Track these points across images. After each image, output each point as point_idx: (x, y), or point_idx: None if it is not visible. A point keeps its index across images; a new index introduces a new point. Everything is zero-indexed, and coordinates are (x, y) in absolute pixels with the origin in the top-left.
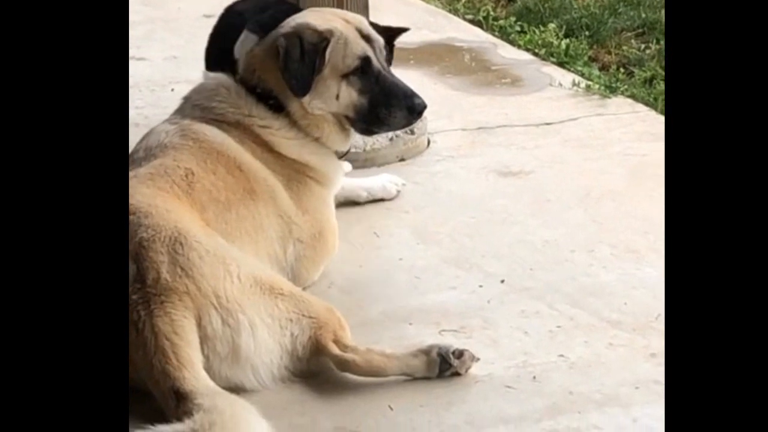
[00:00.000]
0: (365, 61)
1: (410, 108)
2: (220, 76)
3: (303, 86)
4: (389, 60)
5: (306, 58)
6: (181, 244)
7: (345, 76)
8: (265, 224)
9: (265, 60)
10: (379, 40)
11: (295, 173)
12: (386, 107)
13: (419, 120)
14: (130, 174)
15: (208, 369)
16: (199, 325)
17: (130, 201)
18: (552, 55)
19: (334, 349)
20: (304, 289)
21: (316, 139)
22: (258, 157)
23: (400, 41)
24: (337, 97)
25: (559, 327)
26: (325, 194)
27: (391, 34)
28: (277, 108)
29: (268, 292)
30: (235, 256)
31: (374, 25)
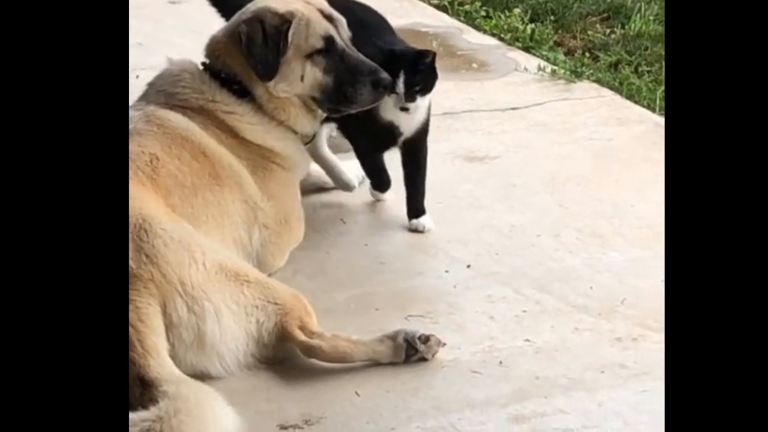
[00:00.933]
0: (328, 40)
1: (375, 83)
2: (185, 62)
3: (268, 70)
4: (431, 83)
5: (269, 41)
6: (145, 231)
7: (309, 57)
8: (231, 210)
9: (228, 45)
10: (341, 18)
11: (261, 159)
12: (352, 85)
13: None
14: None
15: (174, 356)
16: (164, 313)
17: None
18: (517, 40)
19: (300, 336)
20: (270, 275)
21: (282, 123)
22: (222, 142)
23: None
24: (302, 78)
25: (525, 312)
26: (290, 180)
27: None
28: (242, 93)
29: (233, 279)
30: (201, 243)
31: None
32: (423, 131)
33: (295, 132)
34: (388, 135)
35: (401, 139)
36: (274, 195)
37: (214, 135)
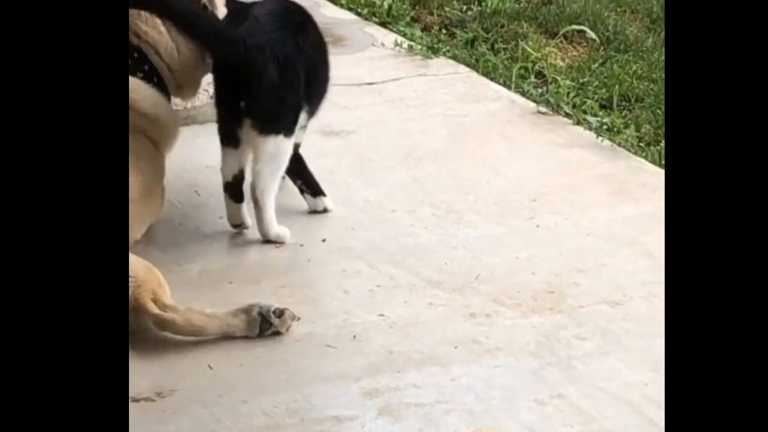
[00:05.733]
0: None
1: None
2: None
3: None
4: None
5: None
6: None
7: None
8: None
9: None
10: None
11: (134, 131)
12: None
13: None
14: None
15: None
16: None
17: None
18: (375, 15)
19: (153, 309)
20: None
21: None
22: None
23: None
24: None
25: (379, 286)
26: (158, 155)
27: None
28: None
29: None
30: None
31: None
32: None
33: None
34: None
35: None
36: (142, 170)
37: None
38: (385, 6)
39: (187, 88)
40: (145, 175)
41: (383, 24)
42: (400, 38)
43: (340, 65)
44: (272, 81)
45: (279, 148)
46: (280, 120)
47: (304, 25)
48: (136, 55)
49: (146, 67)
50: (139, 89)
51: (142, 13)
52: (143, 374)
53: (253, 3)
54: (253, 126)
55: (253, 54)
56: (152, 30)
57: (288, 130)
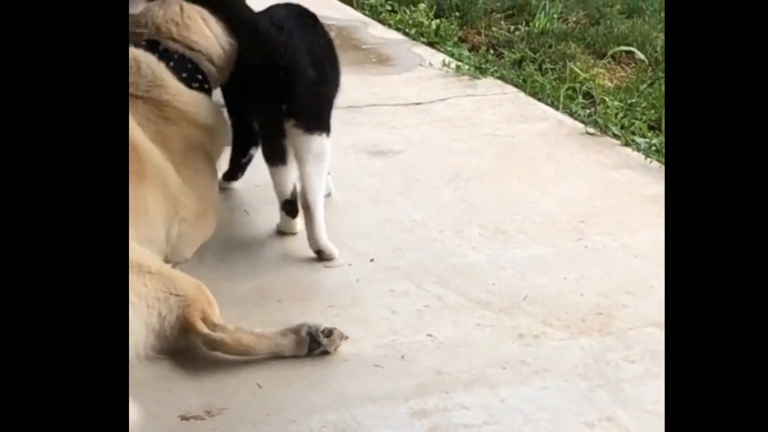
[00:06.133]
0: None
1: None
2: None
3: None
4: None
5: None
6: None
7: None
8: (151, 209)
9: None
10: None
11: (190, 149)
12: None
13: None
14: None
15: None
16: None
17: None
18: (422, 35)
19: (203, 328)
20: (174, 265)
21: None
22: (153, 137)
23: None
24: None
25: (427, 306)
26: (214, 171)
27: None
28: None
29: (135, 270)
30: None
31: None
32: None
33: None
34: None
35: None
36: (198, 188)
37: (150, 128)
38: (433, 26)
39: (216, 85)
40: (201, 192)
41: (431, 44)
42: (447, 58)
43: (387, 85)
44: (312, 80)
45: (323, 147)
46: (322, 118)
47: (318, 27)
48: (189, 66)
49: (199, 76)
50: (196, 101)
51: (179, 20)
52: (193, 393)
53: (265, 11)
54: (297, 126)
55: (296, 54)
56: (201, 38)
57: (329, 128)
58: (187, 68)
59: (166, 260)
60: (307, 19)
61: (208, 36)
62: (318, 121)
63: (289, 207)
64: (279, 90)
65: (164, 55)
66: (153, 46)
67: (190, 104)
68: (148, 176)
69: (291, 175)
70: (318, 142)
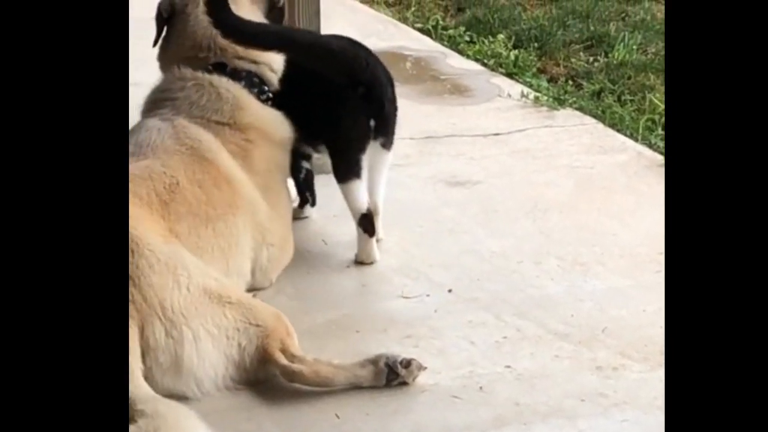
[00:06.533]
0: None
1: None
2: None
3: None
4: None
5: None
6: (132, 251)
7: None
8: (242, 239)
9: None
10: None
11: (270, 169)
12: None
13: None
14: None
15: (150, 378)
16: (142, 335)
17: None
18: (501, 66)
19: (282, 360)
20: (254, 294)
21: None
22: (242, 164)
23: None
24: None
25: (505, 338)
26: (289, 194)
27: None
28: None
29: (216, 302)
30: (188, 265)
31: None
32: None
33: None
34: None
35: None
36: (281, 213)
37: (238, 154)
38: (512, 57)
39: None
40: (284, 217)
41: (509, 75)
42: (526, 89)
43: (466, 116)
44: (393, 96)
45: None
46: (395, 133)
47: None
48: (256, 80)
49: (266, 88)
50: (271, 117)
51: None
52: (271, 422)
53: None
54: (383, 144)
55: (376, 70)
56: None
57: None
58: (256, 83)
59: (251, 287)
60: (360, 45)
61: None
62: (393, 136)
63: (367, 222)
64: (366, 107)
65: (234, 75)
66: (220, 68)
67: (267, 121)
68: (239, 207)
69: (365, 188)
70: (390, 154)
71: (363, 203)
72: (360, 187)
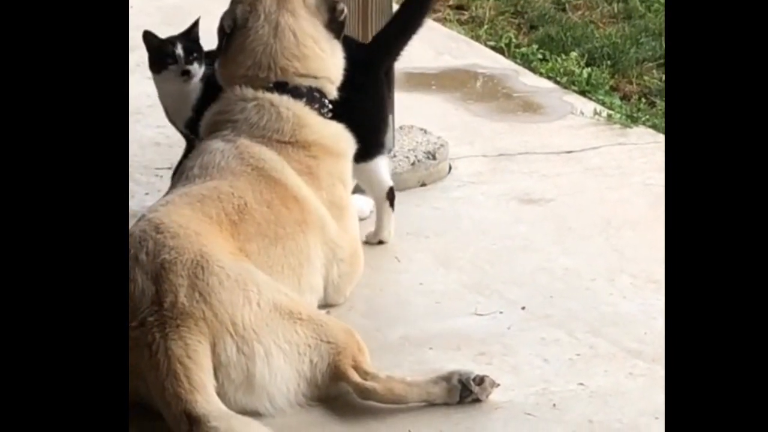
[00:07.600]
0: None
1: None
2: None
3: None
4: None
5: None
6: (202, 268)
7: None
8: (312, 256)
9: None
10: None
11: (334, 183)
12: None
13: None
14: (182, 190)
15: (222, 395)
16: (214, 352)
17: (163, 220)
18: (573, 84)
19: (355, 377)
20: (328, 311)
21: None
22: (308, 181)
23: (421, 66)
24: None
25: (578, 355)
26: (354, 210)
27: None
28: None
29: (287, 318)
30: (258, 282)
31: None
32: None
33: None
34: None
35: None
36: (348, 228)
37: (303, 172)
38: (584, 75)
39: None
40: (352, 230)
41: (582, 93)
42: (599, 107)
43: (538, 133)
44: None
45: None
46: None
47: None
48: (317, 95)
49: (325, 101)
50: (334, 132)
51: (298, 53)
52: None
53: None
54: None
55: None
56: (319, 62)
57: None
58: (317, 98)
59: (325, 304)
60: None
61: (324, 57)
62: None
63: (393, 197)
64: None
65: (295, 92)
66: (281, 86)
67: (329, 136)
68: (309, 224)
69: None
70: None
71: (389, 177)
72: (385, 162)
